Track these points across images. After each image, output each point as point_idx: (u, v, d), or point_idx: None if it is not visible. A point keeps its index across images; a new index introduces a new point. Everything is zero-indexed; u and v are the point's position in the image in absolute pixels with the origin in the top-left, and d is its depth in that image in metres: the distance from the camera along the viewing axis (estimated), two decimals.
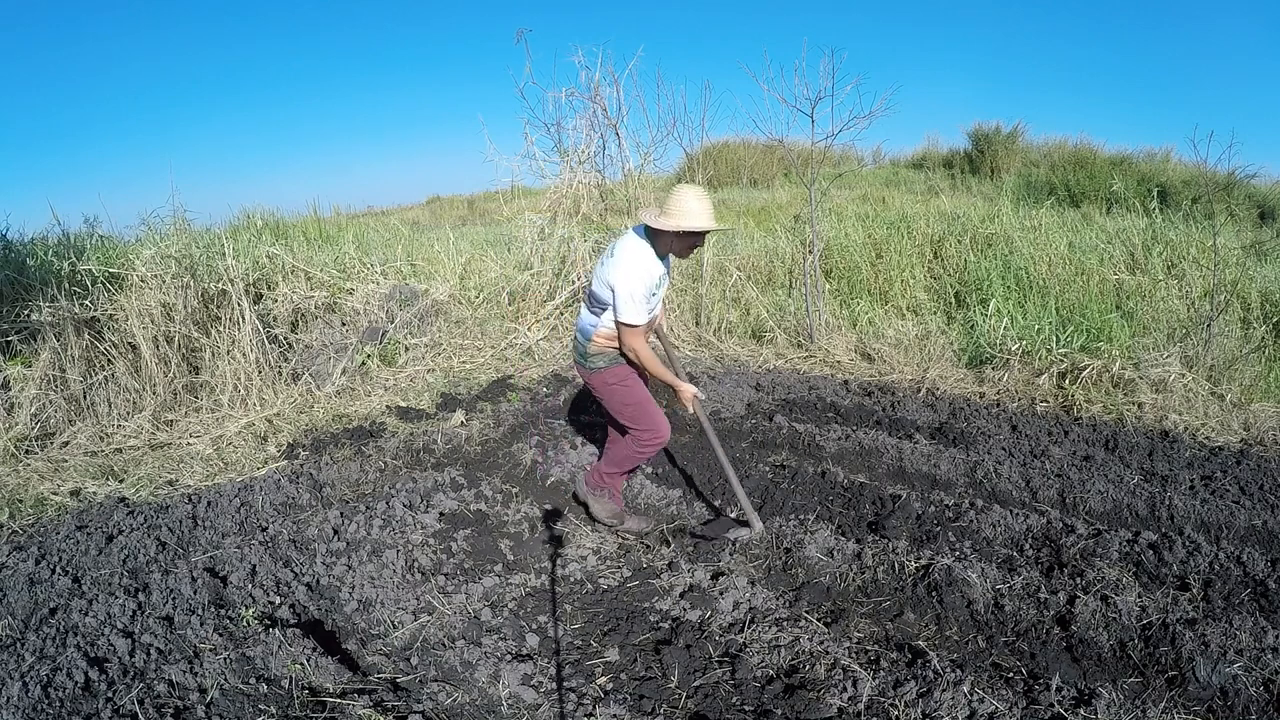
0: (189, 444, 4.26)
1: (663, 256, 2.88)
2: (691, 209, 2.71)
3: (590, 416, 4.55)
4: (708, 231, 2.78)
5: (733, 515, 3.24)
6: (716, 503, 3.50)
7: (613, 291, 2.78)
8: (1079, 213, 9.47)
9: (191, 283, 4.92)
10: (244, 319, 4.90)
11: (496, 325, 6.41)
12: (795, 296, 6.63)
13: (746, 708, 2.08)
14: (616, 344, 2.94)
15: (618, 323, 2.82)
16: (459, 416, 4.57)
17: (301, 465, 3.87)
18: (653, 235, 2.82)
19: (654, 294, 2.86)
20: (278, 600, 2.57)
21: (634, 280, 2.73)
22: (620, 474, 3.24)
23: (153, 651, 2.23)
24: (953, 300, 6.52)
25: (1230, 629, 2.18)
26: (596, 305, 2.90)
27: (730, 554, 2.96)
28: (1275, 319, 5.26)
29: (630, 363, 3.00)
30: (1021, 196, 10.69)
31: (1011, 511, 3.05)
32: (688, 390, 2.97)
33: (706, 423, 3.07)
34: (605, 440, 3.40)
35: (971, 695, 1.96)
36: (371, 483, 3.72)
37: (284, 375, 5.04)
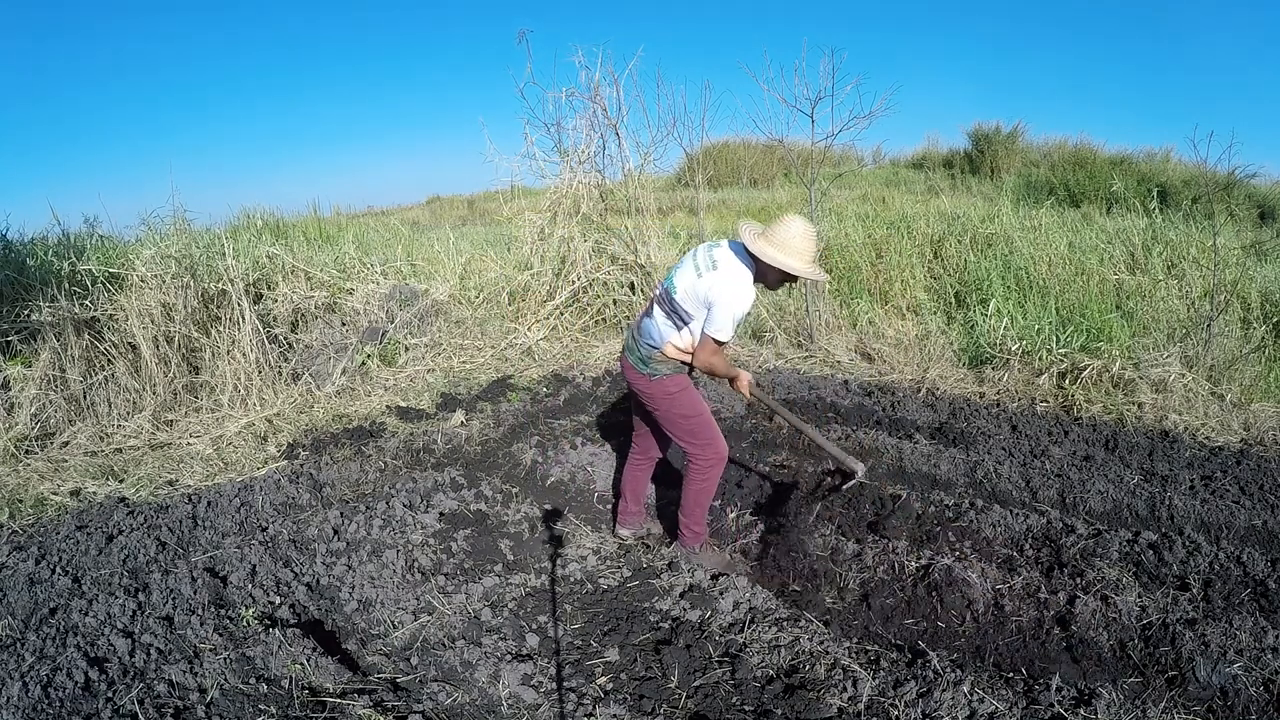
0: (189, 444, 4.26)
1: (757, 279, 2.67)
2: (797, 247, 2.51)
3: (589, 416, 4.55)
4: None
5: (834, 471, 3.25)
6: (717, 502, 3.49)
7: (710, 305, 2.57)
8: (1079, 213, 9.47)
9: (191, 283, 4.92)
10: (244, 319, 4.90)
11: (496, 325, 6.40)
12: (795, 296, 6.63)
13: (746, 708, 2.08)
14: (688, 357, 2.76)
15: (707, 336, 2.61)
16: (459, 416, 4.57)
17: (301, 465, 3.87)
18: (752, 257, 2.59)
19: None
20: (278, 600, 2.57)
21: (739, 302, 2.55)
22: (703, 515, 3.00)
23: (153, 651, 2.23)
24: (953, 300, 6.51)
25: (1230, 629, 2.18)
26: (678, 317, 2.67)
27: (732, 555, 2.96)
28: (1275, 319, 5.25)
29: (688, 374, 2.86)
30: (1021, 196, 10.69)
31: (1011, 511, 3.05)
32: (744, 377, 2.87)
33: (771, 401, 3.01)
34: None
35: (971, 695, 1.96)
36: (371, 483, 3.72)
37: (284, 375, 5.04)
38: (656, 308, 2.75)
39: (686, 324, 2.67)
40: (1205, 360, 4.62)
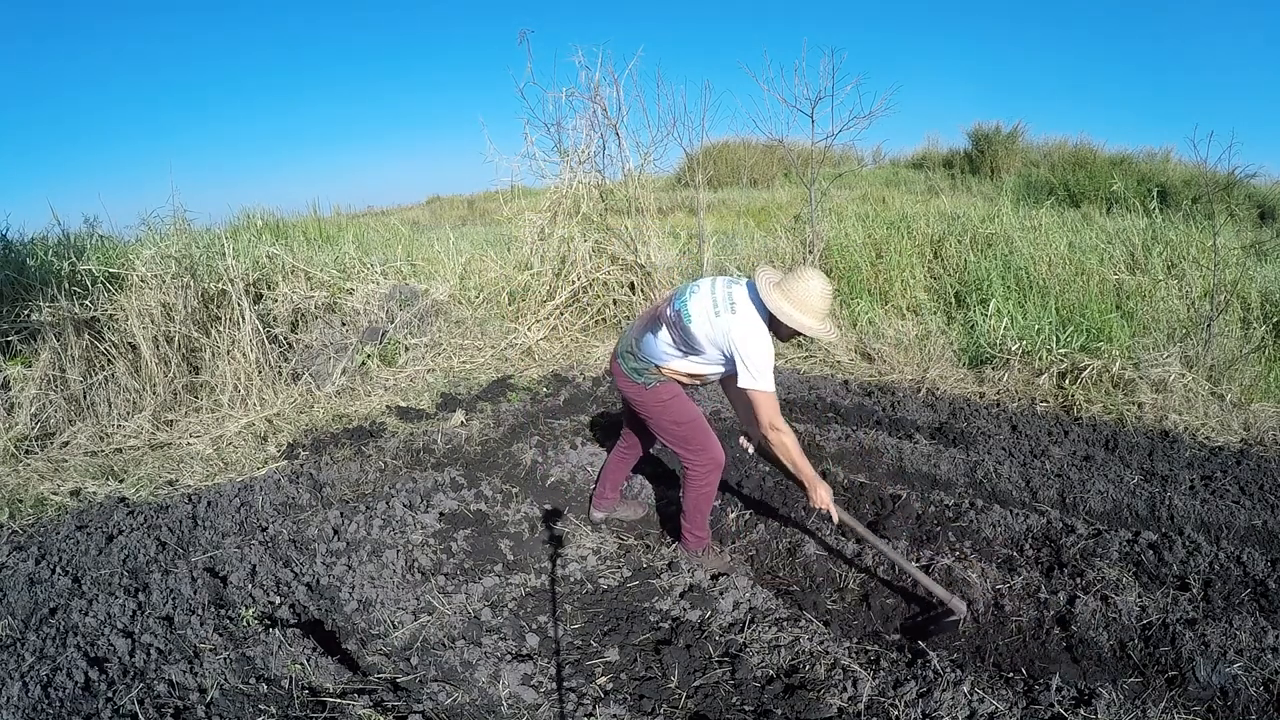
0: (189, 444, 4.26)
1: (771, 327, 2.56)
2: (815, 306, 2.44)
3: (589, 416, 4.55)
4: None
5: (934, 607, 2.55)
6: (718, 502, 3.49)
7: (737, 355, 2.47)
8: (1079, 213, 9.47)
9: (191, 283, 4.92)
10: (244, 319, 4.90)
11: (496, 325, 6.40)
12: None
13: (746, 708, 2.08)
14: (684, 380, 2.73)
15: (751, 391, 2.47)
16: (459, 416, 4.57)
17: (301, 465, 3.87)
18: (763, 305, 2.50)
19: None
20: (278, 600, 2.57)
21: (765, 352, 2.46)
22: (706, 519, 2.95)
23: (153, 651, 2.23)
24: (953, 300, 6.51)
25: (1230, 629, 2.18)
26: (689, 346, 2.59)
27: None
28: (1275, 319, 5.25)
29: (681, 385, 2.76)
30: (1021, 196, 10.69)
31: (1011, 511, 3.05)
32: (823, 491, 2.58)
33: (856, 524, 2.63)
34: (606, 442, 3.36)
35: (971, 695, 1.96)
36: (371, 483, 3.72)
37: (284, 375, 5.04)
38: (665, 330, 2.62)
39: (695, 354, 2.60)
40: (1205, 360, 4.62)
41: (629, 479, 3.62)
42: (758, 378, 2.44)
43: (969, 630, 2.41)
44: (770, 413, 2.49)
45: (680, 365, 2.66)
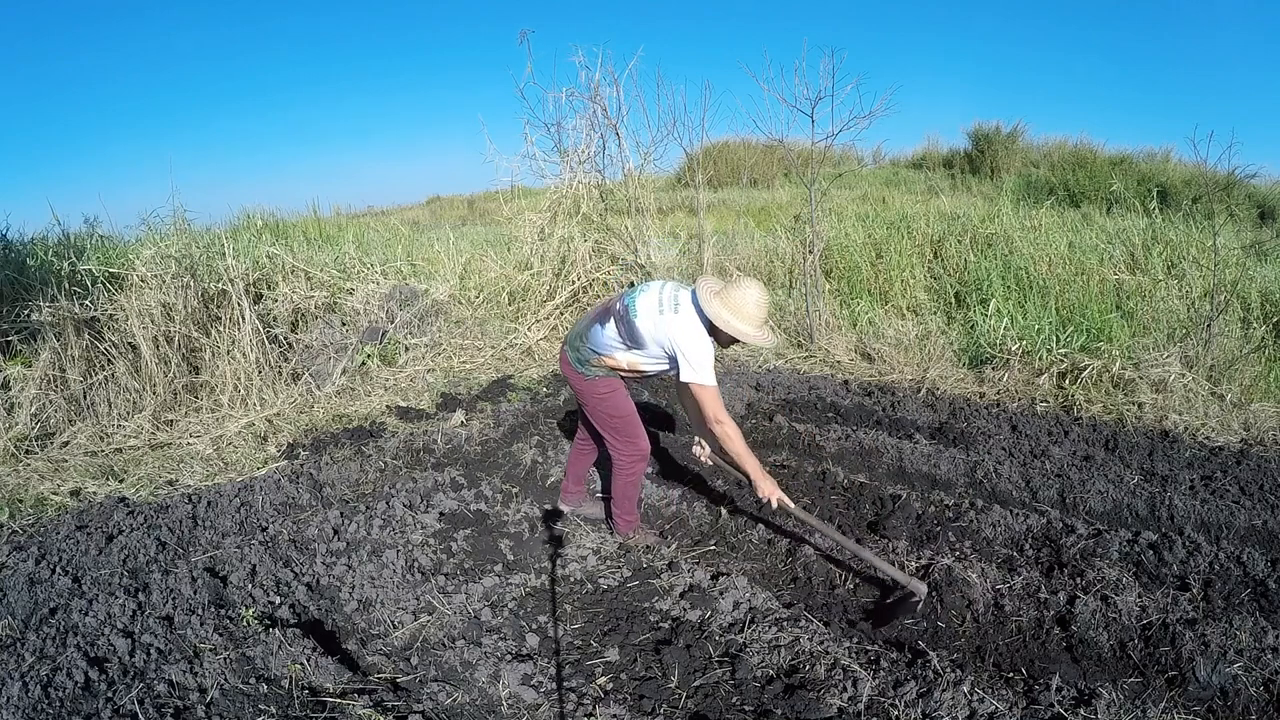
0: (189, 444, 4.26)
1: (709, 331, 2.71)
2: (750, 314, 2.59)
3: None
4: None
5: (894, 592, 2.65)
6: (718, 505, 3.50)
7: (676, 353, 2.64)
8: (1079, 213, 9.46)
9: (191, 283, 4.92)
10: (244, 319, 4.90)
11: (496, 325, 6.41)
12: (795, 296, 6.63)
13: (746, 708, 2.08)
14: (623, 372, 2.86)
15: (693, 385, 2.64)
16: (459, 416, 4.57)
17: (301, 465, 3.86)
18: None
19: None
20: (278, 600, 2.57)
21: (703, 351, 2.62)
22: (634, 504, 3.15)
23: (153, 651, 2.23)
24: (953, 300, 6.51)
25: (1230, 629, 2.18)
26: (632, 340, 2.74)
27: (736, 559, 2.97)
28: (1275, 319, 5.25)
29: (621, 380, 2.91)
30: (1021, 196, 10.69)
31: (1011, 511, 3.05)
32: (769, 486, 2.69)
33: (808, 516, 2.75)
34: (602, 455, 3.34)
35: (971, 695, 1.96)
36: (371, 483, 3.72)
37: (284, 375, 5.04)
38: (613, 322, 2.78)
39: (637, 349, 2.76)
40: (1205, 360, 4.62)
41: (591, 473, 3.64)
42: (698, 371, 2.60)
43: (969, 630, 2.41)
44: (714, 407, 2.64)
45: (622, 357, 2.80)
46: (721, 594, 2.59)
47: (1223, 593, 2.47)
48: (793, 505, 2.71)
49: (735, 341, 2.69)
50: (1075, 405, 4.51)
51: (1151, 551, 2.68)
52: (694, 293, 2.69)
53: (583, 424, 3.31)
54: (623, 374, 2.89)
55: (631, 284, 6.60)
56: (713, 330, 2.66)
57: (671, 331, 2.64)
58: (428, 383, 5.39)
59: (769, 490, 2.69)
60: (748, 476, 2.76)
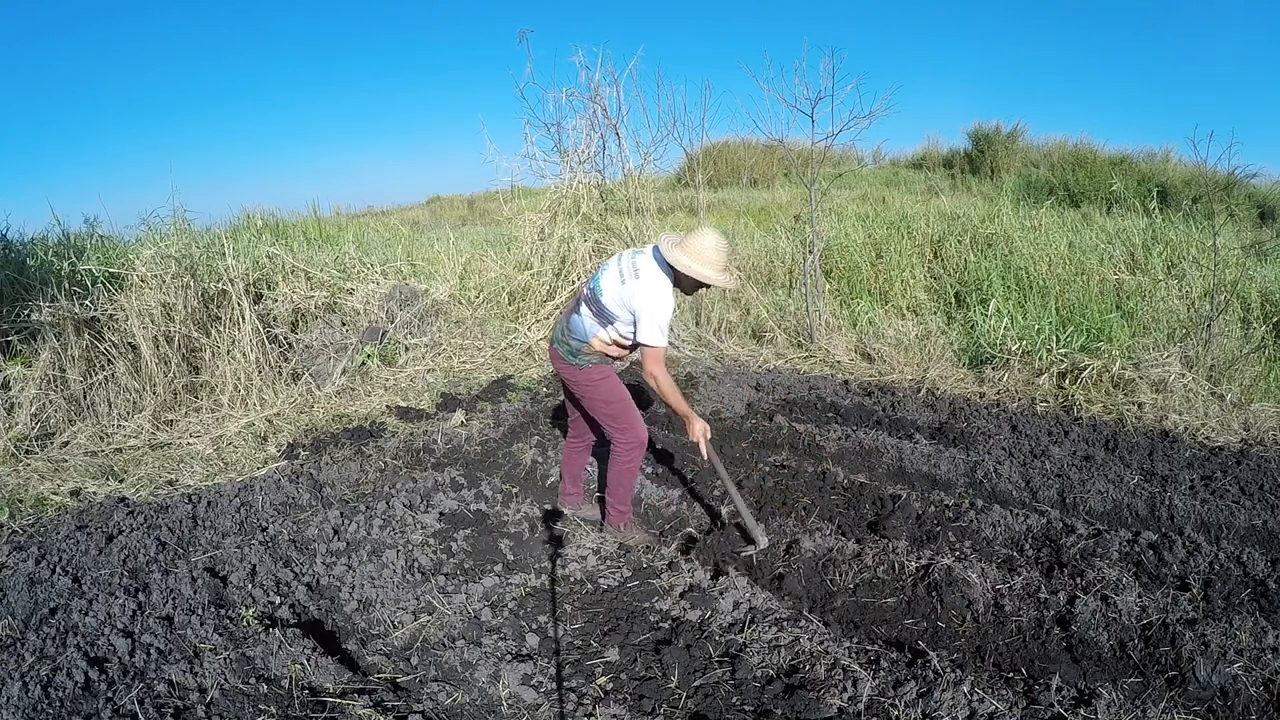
0: (189, 444, 4.26)
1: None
2: (710, 258, 2.71)
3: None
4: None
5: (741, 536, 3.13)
6: (718, 506, 3.50)
7: (635, 314, 2.77)
8: (1079, 213, 9.47)
9: (191, 283, 4.92)
10: (244, 319, 4.90)
11: (496, 325, 6.41)
12: (795, 296, 6.64)
13: (746, 708, 2.08)
14: (612, 351, 2.94)
15: (642, 345, 2.79)
16: (459, 416, 4.57)
17: (301, 465, 3.87)
18: (669, 265, 2.79)
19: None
20: (278, 600, 2.57)
21: (662, 310, 2.75)
22: (628, 495, 3.20)
23: (153, 651, 2.23)
24: (953, 300, 6.52)
25: (1230, 629, 2.18)
26: (604, 317, 2.88)
27: (735, 559, 2.97)
28: (1275, 319, 5.25)
29: (611, 363, 2.99)
30: (1021, 196, 10.68)
31: (1011, 511, 3.05)
32: (698, 426, 2.91)
33: (715, 459, 3.02)
34: (606, 442, 3.36)
35: (971, 695, 1.96)
36: (371, 483, 3.72)
37: (284, 375, 5.04)
38: (584, 306, 2.93)
39: (612, 323, 2.88)
40: (1205, 360, 4.62)
41: (590, 473, 3.65)
42: (650, 331, 2.75)
43: (969, 630, 2.41)
44: (653, 362, 2.80)
45: (604, 334, 2.91)
46: (721, 594, 2.58)
47: (1223, 593, 2.47)
48: (706, 452, 2.95)
49: (700, 285, 2.82)
50: (1075, 405, 4.51)
51: (1151, 551, 2.68)
52: (655, 249, 2.83)
53: (573, 422, 3.34)
54: (613, 355, 2.97)
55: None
56: (678, 281, 2.80)
57: (634, 296, 2.77)
58: (428, 383, 5.39)
59: (697, 432, 2.91)
60: (682, 419, 2.95)
